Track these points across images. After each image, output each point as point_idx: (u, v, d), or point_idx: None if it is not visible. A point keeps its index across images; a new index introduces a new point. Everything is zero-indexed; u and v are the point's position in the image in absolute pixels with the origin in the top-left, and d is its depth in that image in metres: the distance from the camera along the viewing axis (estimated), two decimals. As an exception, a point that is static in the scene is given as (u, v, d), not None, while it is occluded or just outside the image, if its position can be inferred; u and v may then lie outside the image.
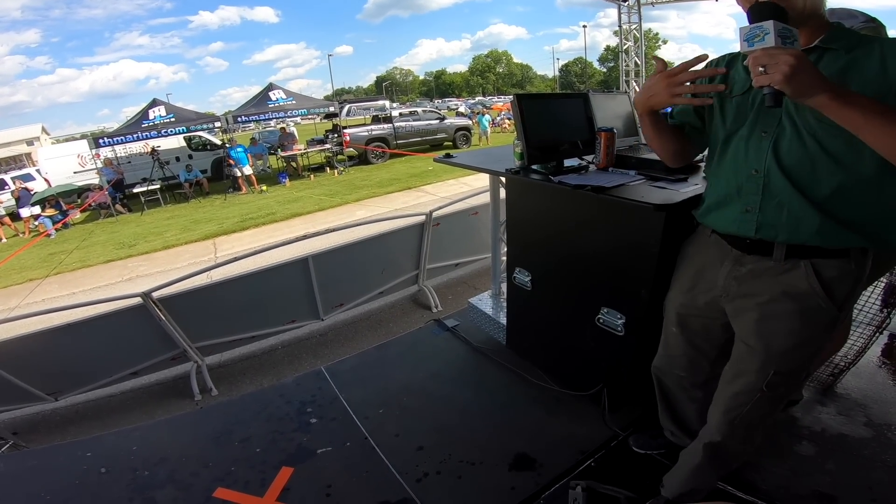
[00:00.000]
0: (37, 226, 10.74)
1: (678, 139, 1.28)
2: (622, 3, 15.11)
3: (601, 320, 1.83)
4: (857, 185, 0.97)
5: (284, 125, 15.24)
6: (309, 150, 13.85)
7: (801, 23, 0.92)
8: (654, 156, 1.92)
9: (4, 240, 10.62)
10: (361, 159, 14.40)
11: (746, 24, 0.91)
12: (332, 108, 13.68)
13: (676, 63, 1.08)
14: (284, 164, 13.49)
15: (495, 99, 49.24)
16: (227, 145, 12.69)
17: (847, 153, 0.95)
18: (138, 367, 3.38)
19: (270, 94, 12.61)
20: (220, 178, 13.16)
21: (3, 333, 3.03)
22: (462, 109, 27.95)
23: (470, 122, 17.46)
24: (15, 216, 11.35)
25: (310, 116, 14.58)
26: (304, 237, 3.71)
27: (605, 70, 65.42)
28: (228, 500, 1.80)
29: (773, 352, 1.13)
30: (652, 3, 15.32)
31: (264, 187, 12.09)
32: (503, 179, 2.43)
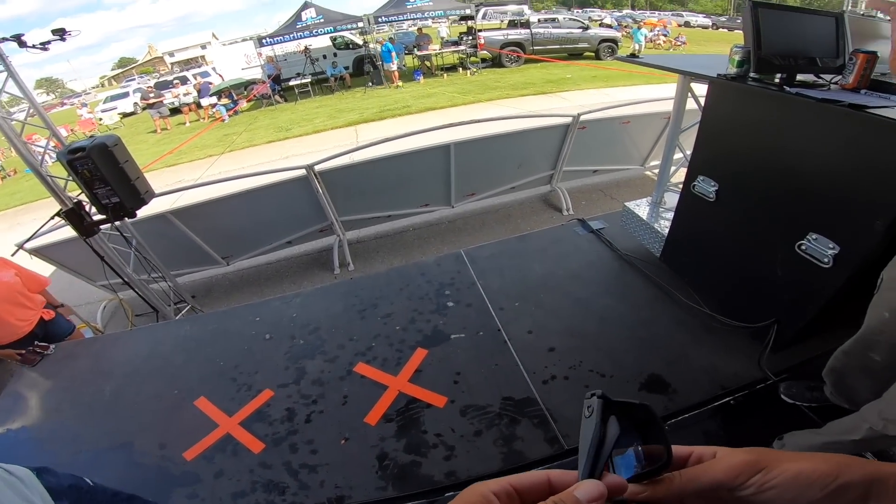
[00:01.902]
0: (214, 112, 12.55)
1: None
2: None
3: (804, 247, 1.58)
4: None
5: (420, 27, 15.01)
6: (443, 51, 13.75)
7: None
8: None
9: (188, 123, 12.63)
10: (495, 62, 13.88)
11: None
12: (468, 11, 13.16)
13: None
14: (419, 63, 13.69)
15: (648, 14, 42.18)
16: (372, 44, 13.14)
17: None
18: (293, 235, 3.86)
19: (408, -5, 12.44)
20: (360, 73, 13.92)
21: (190, 200, 3.48)
22: (608, 21, 24.50)
23: (617, 34, 15.33)
24: (197, 105, 13.38)
25: (442, 19, 14.18)
26: (448, 125, 3.73)
27: None
28: (366, 375, 1.92)
29: None
30: None
31: (400, 83, 12.48)
32: (698, 87, 2.15)
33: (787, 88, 1.60)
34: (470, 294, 2.30)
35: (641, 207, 2.61)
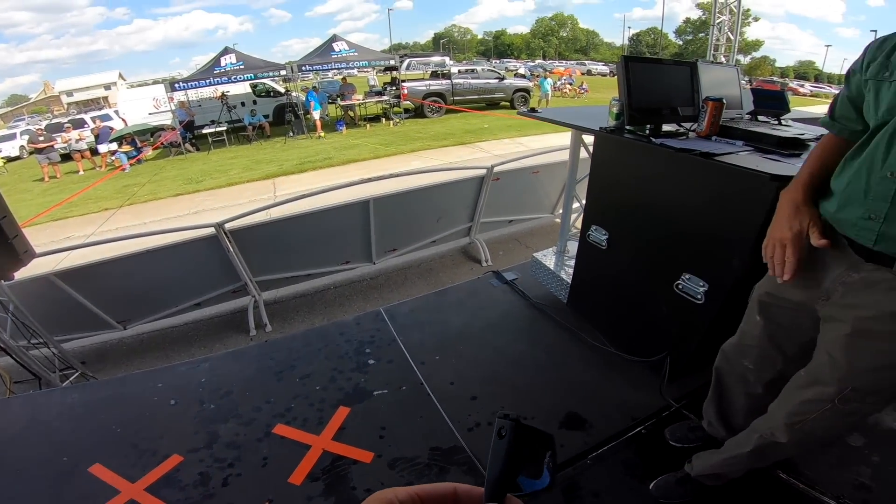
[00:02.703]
0: (113, 160, 11.56)
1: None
2: None
3: (680, 286, 1.76)
4: None
5: (344, 76, 15.31)
6: (367, 101, 13.97)
7: None
8: (763, 129, 1.82)
9: (82, 172, 11.48)
10: (418, 112, 14.39)
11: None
12: (392, 62, 13.71)
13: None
14: (342, 113, 13.76)
15: (556, 63, 46.81)
16: (295, 92, 13.08)
17: None
18: (203, 297, 3.57)
19: (334, 45, 12.75)
20: (281, 122, 13.70)
21: (79, 259, 3.16)
22: (521, 71, 26.77)
23: (530, 84, 16.82)
24: (93, 151, 12.23)
25: (367, 69, 14.59)
26: (367, 180, 3.74)
27: (681, 43, 59.81)
28: (287, 436, 1.86)
29: (857, 369, 1.01)
30: None
31: (322, 133, 12.38)
32: (588, 138, 2.35)
33: (654, 139, 1.77)
34: (391, 350, 2.34)
35: (548, 257, 2.80)
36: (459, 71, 15.39)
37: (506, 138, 10.28)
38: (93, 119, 14.58)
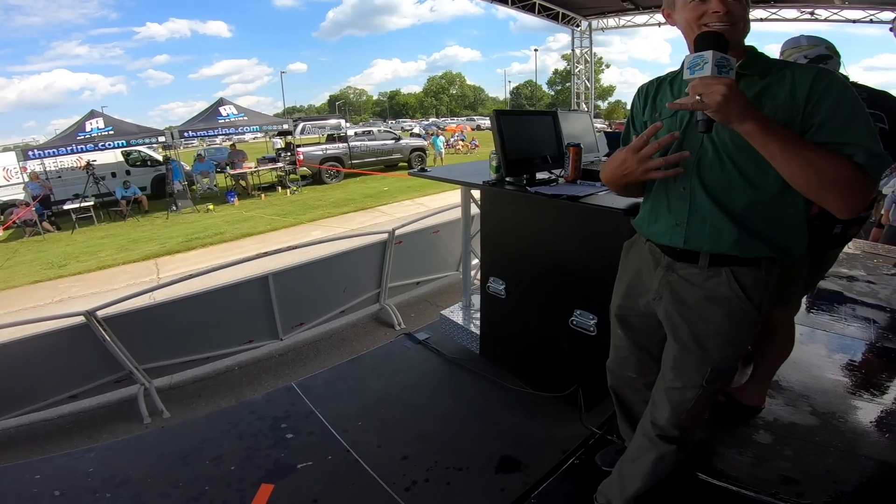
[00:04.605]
0: (-53, 245, 9.63)
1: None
2: (575, 28, 16.10)
3: (574, 322, 1.95)
4: (764, 202, 1.08)
5: (234, 142, 14.65)
6: (260, 169, 13.38)
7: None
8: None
9: None
10: (315, 179, 14.17)
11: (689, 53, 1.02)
12: (286, 126, 13.44)
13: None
14: (233, 183, 12.98)
15: (448, 120, 50.12)
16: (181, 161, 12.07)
17: (757, 174, 1.06)
18: (78, 390, 3.14)
19: (221, 109, 12.18)
20: (161, 195, 12.33)
21: None
22: (416, 130, 28.27)
23: (425, 143, 17.77)
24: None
25: (260, 134, 14.23)
26: (265, 254, 3.62)
27: (552, 93, 67.87)
28: None
29: (709, 350, 1.22)
30: (602, 29, 16.43)
31: (211, 206, 11.54)
32: (476, 192, 2.56)
33: (528, 188, 1.91)
34: (308, 422, 2.24)
35: (455, 312, 2.92)
36: (356, 133, 15.64)
37: (406, 200, 10.62)
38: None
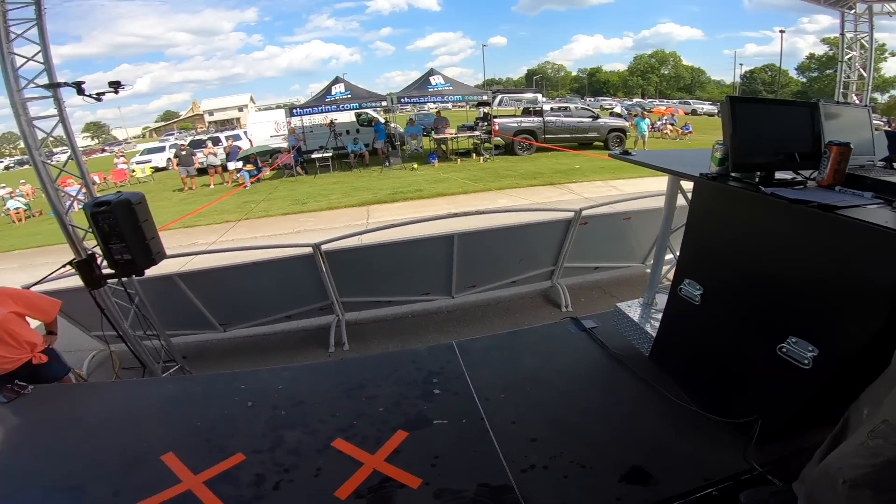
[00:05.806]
0: (238, 178, 13.21)
1: None
2: (847, 11, 12.33)
3: (784, 349, 1.61)
4: None
5: (439, 109, 16.00)
6: (459, 136, 14.46)
7: None
8: (897, 178, 1.63)
9: (212, 186, 13.28)
10: (507, 149, 14.53)
11: None
12: (485, 97, 14.08)
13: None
14: (436, 146, 14.38)
15: (656, 102, 44.58)
16: (392, 123, 13.98)
17: None
18: (294, 311, 3.91)
19: (431, 78, 13.46)
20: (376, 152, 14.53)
21: (199, 264, 3.62)
22: (617, 110, 25.91)
23: (626, 124, 16.24)
24: (224, 168, 14.09)
25: (461, 103, 15.17)
26: (454, 215, 3.89)
27: (804, 80, 53.93)
28: (343, 451, 1.91)
29: None
30: (889, 14, 12.19)
31: (415, 165, 13.02)
32: (688, 184, 2.24)
33: (763, 188, 1.63)
34: (457, 383, 2.35)
35: (633, 308, 2.66)
36: (552, 108, 15.32)
37: (598, 180, 10.01)
38: (226, 138, 16.95)
